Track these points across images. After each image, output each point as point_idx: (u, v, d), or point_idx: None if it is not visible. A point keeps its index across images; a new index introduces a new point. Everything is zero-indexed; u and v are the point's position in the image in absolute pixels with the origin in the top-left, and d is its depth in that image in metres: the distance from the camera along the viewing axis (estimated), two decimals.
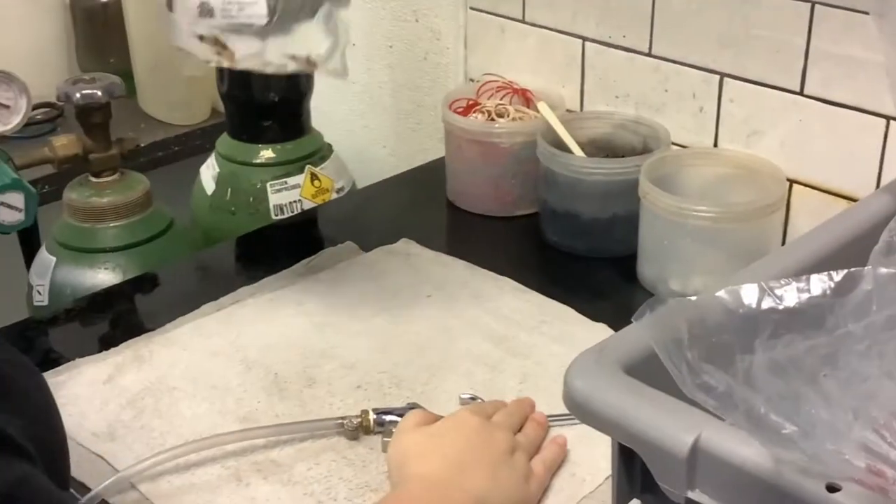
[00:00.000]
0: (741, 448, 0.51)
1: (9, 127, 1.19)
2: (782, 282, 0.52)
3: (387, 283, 1.10)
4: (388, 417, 0.87)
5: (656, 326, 0.52)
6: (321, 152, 1.39)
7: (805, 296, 0.52)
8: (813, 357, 0.50)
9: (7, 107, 1.20)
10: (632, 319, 0.54)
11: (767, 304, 0.52)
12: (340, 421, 0.87)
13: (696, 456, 0.53)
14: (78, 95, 1.23)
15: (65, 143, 1.23)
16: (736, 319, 0.52)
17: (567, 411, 0.86)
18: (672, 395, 0.56)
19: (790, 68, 1.07)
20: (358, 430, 0.87)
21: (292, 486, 0.82)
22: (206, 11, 0.84)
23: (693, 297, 0.54)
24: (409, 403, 0.89)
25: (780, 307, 0.51)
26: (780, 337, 0.50)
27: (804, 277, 0.53)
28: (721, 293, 0.53)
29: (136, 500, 0.81)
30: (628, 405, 0.55)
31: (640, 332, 0.60)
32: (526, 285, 1.09)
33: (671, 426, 0.53)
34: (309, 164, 1.36)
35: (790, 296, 0.52)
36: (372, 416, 0.87)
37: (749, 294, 0.53)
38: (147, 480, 0.82)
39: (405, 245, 1.17)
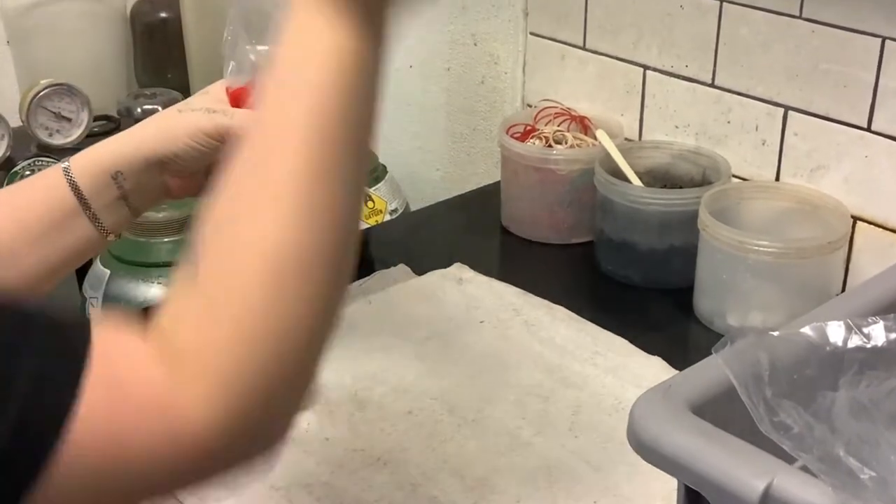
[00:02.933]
0: (815, 496, 0.50)
1: (70, 139, 1.21)
2: (870, 319, 0.50)
3: (439, 307, 1.09)
4: None
5: (736, 360, 0.50)
6: (375, 173, 1.39)
7: (893, 335, 0.50)
8: (895, 399, 0.48)
9: (69, 119, 1.22)
10: (712, 351, 0.52)
11: (855, 342, 0.50)
12: None
13: (768, 502, 0.51)
14: (139, 110, 1.24)
15: None
16: (820, 356, 0.50)
17: (624, 445, 0.86)
18: (742, 437, 0.54)
19: (858, 103, 1.05)
20: None
21: (312, 489, 0.81)
22: None
23: (776, 333, 0.53)
24: None
25: (868, 345, 0.50)
26: (864, 374, 0.48)
27: (892, 316, 0.51)
28: (806, 329, 0.52)
29: None
30: (697, 447, 0.53)
31: (708, 371, 0.58)
32: (579, 314, 1.08)
33: (742, 471, 0.52)
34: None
35: (878, 334, 0.50)
36: None
37: (835, 331, 0.51)
38: (193, 496, 0.82)
39: (458, 270, 1.16)
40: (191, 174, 0.78)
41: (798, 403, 0.47)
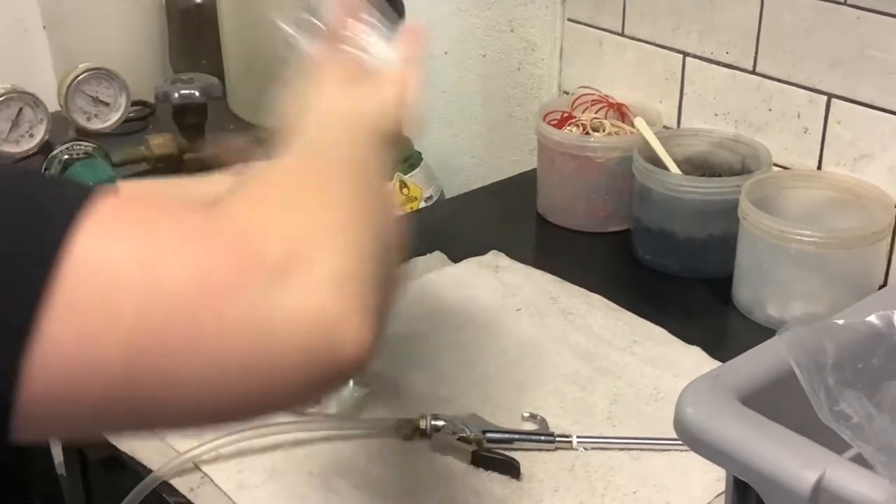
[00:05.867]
0: (869, 488, 0.49)
1: (108, 124, 1.21)
2: None
3: (475, 295, 1.09)
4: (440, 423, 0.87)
5: (798, 347, 0.49)
6: (411, 160, 1.38)
7: None
8: None
9: (107, 104, 1.23)
10: (776, 335, 0.52)
11: None
12: (397, 422, 0.88)
13: (820, 495, 0.50)
14: (176, 95, 1.24)
15: (161, 143, 1.25)
16: (887, 346, 0.49)
17: (662, 435, 0.85)
18: (791, 429, 0.53)
19: None
20: (414, 432, 0.87)
21: (348, 476, 0.82)
22: None
23: (840, 321, 0.52)
24: (470, 414, 0.88)
25: None
26: None
27: None
28: (872, 318, 0.51)
29: (198, 481, 0.83)
30: (747, 437, 0.53)
31: (758, 361, 0.58)
32: (616, 303, 1.07)
33: (793, 462, 0.51)
34: (398, 171, 1.35)
35: None
36: (430, 422, 0.87)
37: None
38: (208, 462, 0.84)
39: (494, 257, 1.16)
40: None
41: (861, 393, 0.46)
